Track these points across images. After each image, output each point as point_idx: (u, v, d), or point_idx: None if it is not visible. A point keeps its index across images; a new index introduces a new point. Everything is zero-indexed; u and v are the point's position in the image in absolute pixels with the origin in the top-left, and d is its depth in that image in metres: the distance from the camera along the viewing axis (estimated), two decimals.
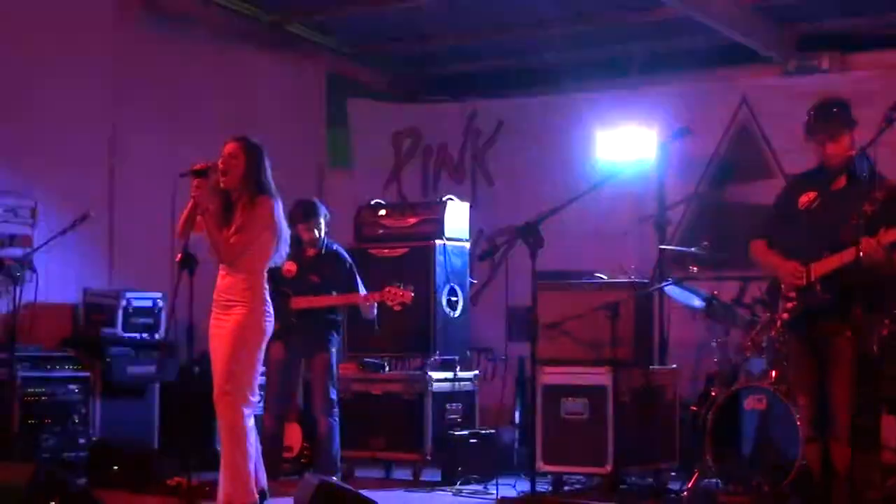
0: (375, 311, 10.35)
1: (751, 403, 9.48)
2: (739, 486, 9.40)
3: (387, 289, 10.13)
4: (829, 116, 7.40)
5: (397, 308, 10.18)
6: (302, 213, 10.15)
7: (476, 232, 12.74)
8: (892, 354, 9.17)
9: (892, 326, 9.09)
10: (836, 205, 7.35)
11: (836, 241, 7.21)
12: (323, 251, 10.35)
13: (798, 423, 8.79)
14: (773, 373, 9.49)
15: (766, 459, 9.28)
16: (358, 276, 10.48)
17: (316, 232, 10.26)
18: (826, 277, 7.24)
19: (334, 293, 10.27)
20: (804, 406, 7.73)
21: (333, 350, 10.38)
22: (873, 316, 7.53)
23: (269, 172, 8.30)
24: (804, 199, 7.52)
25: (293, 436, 10.79)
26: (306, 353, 10.22)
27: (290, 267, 9.67)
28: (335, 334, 10.40)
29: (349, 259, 10.56)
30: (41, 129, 10.97)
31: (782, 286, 7.54)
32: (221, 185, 8.18)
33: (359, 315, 10.55)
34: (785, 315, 7.51)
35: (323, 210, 10.39)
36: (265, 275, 8.35)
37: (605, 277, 10.74)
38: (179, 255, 8.09)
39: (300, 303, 10.07)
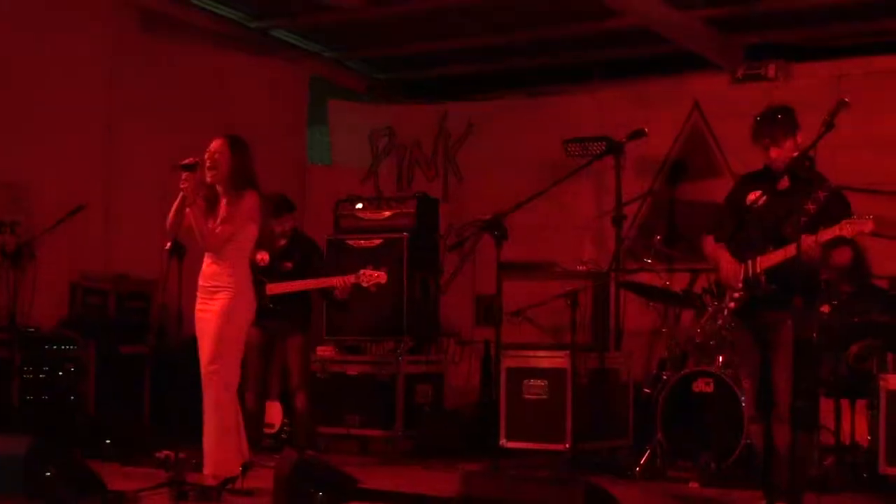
0: (348, 293, 10.30)
1: (699, 386, 9.50)
2: (688, 463, 9.42)
3: (362, 271, 10.08)
4: (773, 123, 7.38)
5: (372, 289, 10.12)
6: (274, 210, 10.11)
7: (447, 225, 12.75)
8: (829, 342, 9.22)
9: (830, 316, 9.15)
10: (780, 203, 7.35)
11: (780, 236, 7.22)
12: (293, 240, 10.34)
13: (743, 404, 8.81)
14: (721, 358, 9.53)
15: (713, 439, 9.30)
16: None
17: (286, 225, 10.26)
18: (770, 270, 7.25)
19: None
20: (748, 389, 7.73)
21: (307, 332, 10.36)
22: (812, 306, 7.54)
23: (253, 167, 8.29)
24: (751, 197, 7.51)
25: (274, 413, 10.75)
26: (282, 336, 10.19)
27: (263, 256, 9.63)
28: (308, 317, 10.38)
29: (317, 245, 10.59)
30: (41, 122, 10.90)
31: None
32: (208, 179, 8.17)
33: (335, 300, 10.53)
34: (732, 304, 7.50)
35: (292, 205, 10.41)
36: (248, 263, 8.36)
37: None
38: (169, 244, 8.08)
39: (276, 288, 10.03)
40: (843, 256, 7.25)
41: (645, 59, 12.89)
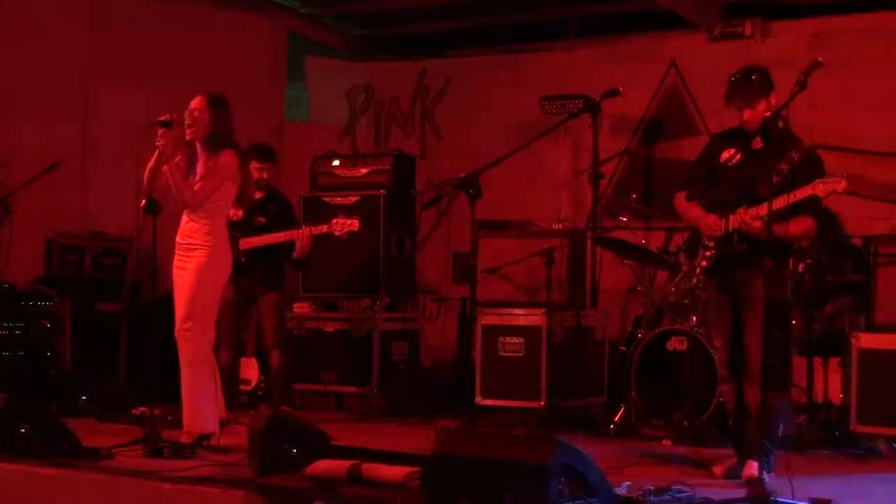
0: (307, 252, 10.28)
1: (673, 345, 9.55)
2: (661, 421, 9.48)
3: (333, 220, 10.06)
4: (747, 84, 7.37)
5: (345, 236, 10.11)
6: (258, 154, 10.11)
7: (424, 182, 12.77)
8: (803, 301, 9.28)
9: (807, 274, 9.21)
10: (754, 162, 7.37)
11: (753, 195, 7.24)
12: (268, 196, 10.33)
13: (716, 363, 8.87)
14: (694, 317, 9.57)
15: (687, 396, 9.36)
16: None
17: (266, 173, 10.24)
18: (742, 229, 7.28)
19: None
20: (719, 348, 7.77)
21: (281, 289, 10.37)
22: (783, 266, 7.58)
23: (232, 125, 8.29)
24: (725, 155, 7.53)
25: (251, 370, 10.80)
26: (256, 292, 10.18)
27: (237, 211, 9.58)
28: (282, 274, 10.39)
29: (291, 204, 10.61)
30: (18, 80, 10.91)
31: (703, 236, 7.57)
32: (187, 136, 8.17)
33: (314, 258, 10.52)
34: (704, 263, 7.52)
35: (275, 155, 10.40)
36: (226, 221, 8.36)
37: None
38: (143, 201, 8.09)
39: (248, 243, 10.01)
40: (801, 226, 7.27)
41: (623, 17, 12.88)
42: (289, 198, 10.70)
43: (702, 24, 12.26)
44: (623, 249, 10.46)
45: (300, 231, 10.06)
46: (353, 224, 10.05)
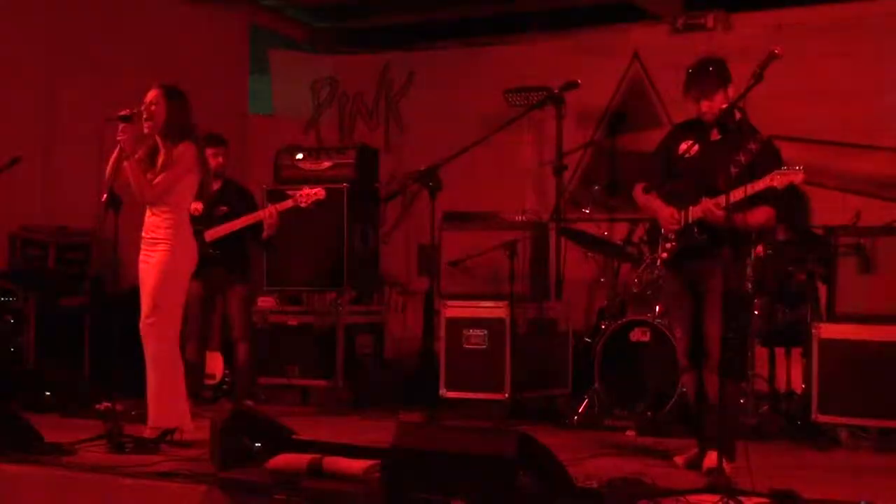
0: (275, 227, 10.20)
1: (636, 336, 9.58)
2: (625, 412, 9.51)
3: (298, 192, 10.04)
4: (704, 75, 7.38)
5: (312, 207, 10.09)
6: (212, 140, 10.03)
7: (388, 175, 12.78)
8: (763, 291, 9.32)
9: (764, 262, 9.24)
10: (712, 154, 7.37)
11: (712, 187, 7.25)
12: (225, 186, 10.30)
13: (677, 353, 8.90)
14: (658, 308, 9.60)
15: (650, 387, 9.40)
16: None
17: (221, 157, 10.20)
18: (702, 220, 7.30)
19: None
20: (679, 338, 7.76)
21: (249, 282, 10.36)
22: (742, 257, 7.60)
23: (190, 116, 8.25)
24: (683, 147, 7.52)
25: (215, 364, 10.77)
26: (224, 287, 10.17)
27: (196, 206, 9.51)
28: (248, 266, 10.38)
29: (248, 190, 10.62)
30: None
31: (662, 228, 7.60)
32: (146, 130, 8.14)
33: (281, 250, 10.49)
34: (665, 255, 7.55)
35: (222, 139, 10.36)
36: (188, 214, 8.33)
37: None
38: (105, 196, 8.07)
39: (215, 233, 9.98)
40: (760, 216, 7.28)
41: (586, 10, 12.91)
42: (245, 186, 10.67)
43: (664, 16, 12.30)
44: (586, 241, 10.49)
45: (266, 210, 10.02)
46: (319, 193, 10.00)
